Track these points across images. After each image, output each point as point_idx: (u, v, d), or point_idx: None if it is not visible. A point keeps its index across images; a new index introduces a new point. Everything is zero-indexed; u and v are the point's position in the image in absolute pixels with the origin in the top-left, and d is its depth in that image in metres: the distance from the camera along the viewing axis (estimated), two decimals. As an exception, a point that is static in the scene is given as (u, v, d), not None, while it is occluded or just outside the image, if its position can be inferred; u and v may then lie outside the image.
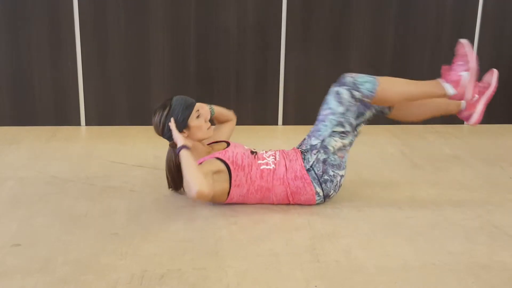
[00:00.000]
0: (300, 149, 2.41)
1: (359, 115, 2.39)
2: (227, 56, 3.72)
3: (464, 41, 2.37)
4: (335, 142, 2.31)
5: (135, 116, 3.73)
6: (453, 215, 2.35)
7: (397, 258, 1.95)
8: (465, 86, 2.31)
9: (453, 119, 4.04)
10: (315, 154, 2.32)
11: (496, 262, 1.94)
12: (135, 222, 2.20)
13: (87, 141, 3.38)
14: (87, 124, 3.72)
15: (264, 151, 2.42)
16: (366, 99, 2.30)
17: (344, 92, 2.29)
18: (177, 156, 2.29)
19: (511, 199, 2.55)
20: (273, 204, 2.38)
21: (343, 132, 2.32)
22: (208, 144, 2.49)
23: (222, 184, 2.26)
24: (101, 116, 3.72)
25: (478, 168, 2.95)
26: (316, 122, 2.35)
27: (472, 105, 2.44)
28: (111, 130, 3.63)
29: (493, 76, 2.47)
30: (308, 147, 2.36)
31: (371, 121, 4.00)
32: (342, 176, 2.36)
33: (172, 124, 2.28)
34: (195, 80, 3.73)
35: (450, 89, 2.33)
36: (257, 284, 1.76)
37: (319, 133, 2.32)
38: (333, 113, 2.30)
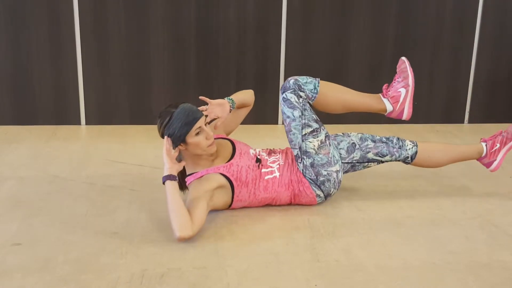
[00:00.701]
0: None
1: (379, 154, 2.42)
2: (227, 55, 3.72)
3: (404, 59, 2.45)
4: (312, 143, 2.30)
5: (135, 115, 3.73)
6: (453, 215, 2.35)
7: (397, 258, 1.95)
8: (403, 103, 2.40)
9: (453, 117, 4.05)
10: (300, 162, 2.31)
11: (496, 261, 1.94)
12: (135, 221, 2.20)
13: (87, 140, 3.38)
14: (87, 123, 3.72)
15: (267, 155, 2.37)
16: (309, 100, 2.32)
17: (290, 96, 2.29)
18: (180, 156, 2.26)
19: (511, 198, 2.55)
20: (274, 205, 2.38)
21: (313, 131, 2.31)
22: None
23: (223, 198, 2.24)
24: (101, 115, 3.72)
25: (478, 167, 2.95)
26: (286, 134, 2.35)
27: (492, 154, 2.52)
28: (111, 129, 3.63)
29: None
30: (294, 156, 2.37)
31: (372, 121, 3.98)
32: (337, 171, 2.34)
33: (166, 142, 2.13)
34: (195, 79, 3.73)
35: (388, 105, 2.40)
36: (257, 283, 1.76)
37: (293, 143, 2.32)
38: (293, 120, 2.30)
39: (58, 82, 3.63)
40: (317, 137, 2.31)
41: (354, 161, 2.40)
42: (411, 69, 2.40)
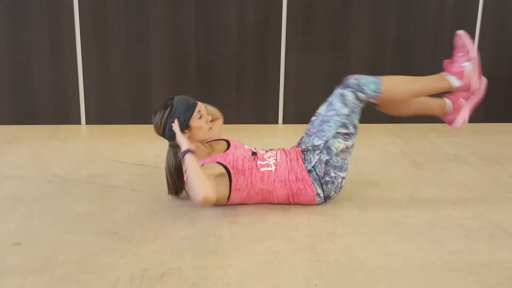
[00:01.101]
0: (300, 147, 2.42)
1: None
2: (227, 55, 3.72)
3: (461, 32, 2.39)
4: (339, 144, 2.31)
5: (135, 115, 3.73)
6: (453, 214, 2.35)
7: (397, 257, 1.95)
8: (469, 76, 2.33)
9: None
10: (317, 154, 2.31)
11: (496, 261, 1.94)
12: (135, 221, 2.20)
13: (87, 140, 3.38)
14: (87, 123, 3.72)
15: (264, 151, 2.41)
16: (371, 100, 2.32)
17: (348, 94, 2.30)
18: (178, 158, 2.29)
19: (511, 198, 2.55)
20: (273, 203, 2.38)
21: (347, 134, 2.32)
22: (207, 143, 2.45)
23: (222, 188, 2.26)
24: (101, 115, 3.72)
25: (478, 167, 2.95)
26: (319, 122, 2.34)
27: (457, 109, 2.46)
28: (111, 129, 3.64)
29: (482, 84, 2.47)
30: (310, 147, 2.36)
31: (372, 120, 3.97)
32: (343, 178, 2.36)
33: (175, 126, 2.24)
34: (195, 79, 3.73)
35: (455, 81, 2.35)
36: (258, 283, 1.76)
37: (323, 133, 2.32)
38: (337, 114, 2.30)
39: (58, 81, 3.63)
40: (347, 141, 2.32)
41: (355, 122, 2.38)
42: (472, 41, 2.35)
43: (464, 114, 2.45)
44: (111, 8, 3.55)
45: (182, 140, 2.21)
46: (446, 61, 2.40)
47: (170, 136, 2.29)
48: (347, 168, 2.37)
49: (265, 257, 1.93)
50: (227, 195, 2.29)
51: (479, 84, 2.35)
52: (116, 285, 1.73)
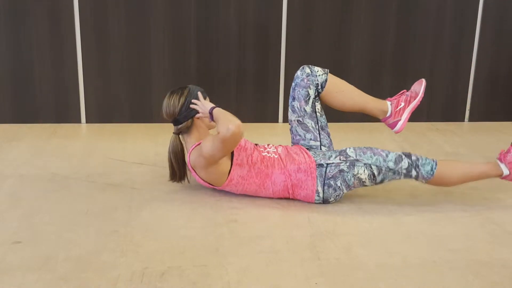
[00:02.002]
0: (300, 145, 2.44)
1: (304, 98, 2.44)
2: (227, 53, 3.72)
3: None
4: (362, 173, 2.31)
5: (136, 113, 3.73)
6: (453, 213, 2.35)
7: (397, 256, 1.95)
8: (403, 111, 2.43)
9: (454, 116, 4.05)
10: (340, 160, 2.33)
11: (496, 259, 1.94)
12: (135, 219, 2.20)
13: (88, 139, 3.38)
14: (87, 121, 3.72)
15: (266, 145, 2.46)
16: (421, 180, 2.34)
17: (405, 162, 2.32)
18: (181, 144, 2.41)
19: (511, 197, 2.56)
20: (272, 197, 2.38)
21: (373, 175, 2.32)
22: None
23: (224, 162, 2.29)
24: (102, 113, 3.72)
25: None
26: (368, 148, 2.35)
27: (397, 113, 2.48)
28: (112, 127, 3.64)
29: (421, 86, 2.50)
30: (317, 147, 2.43)
31: (372, 119, 3.98)
32: (344, 193, 2.39)
33: (200, 96, 2.36)
34: (195, 78, 3.73)
35: (505, 170, 2.36)
36: (258, 281, 1.76)
37: (362, 154, 2.33)
38: (384, 160, 2.31)
39: (59, 80, 3.63)
40: (368, 179, 2.33)
41: (314, 126, 2.47)
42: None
43: (405, 117, 2.48)
44: (111, 7, 3.55)
45: (205, 102, 2.34)
46: (502, 150, 2.39)
47: (184, 116, 2.36)
48: (351, 190, 2.39)
49: (266, 255, 1.93)
50: (227, 171, 2.31)
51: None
52: (116, 283, 1.73)
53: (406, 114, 2.46)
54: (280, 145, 2.45)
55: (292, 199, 2.41)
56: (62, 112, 3.68)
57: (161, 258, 1.89)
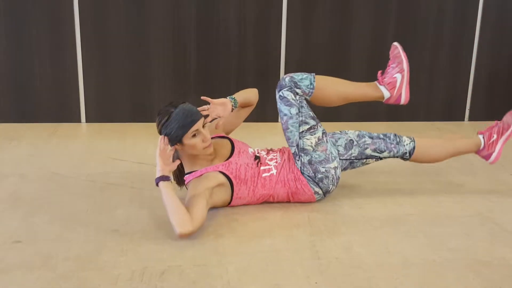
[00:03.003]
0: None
1: (377, 150, 2.41)
2: (227, 52, 3.72)
3: (396, 44, 2.43)
4: (309, 140, 2.30)
5: (136, 113, 3.73)
6: (454, 212, 2.35)
7: (398, 255, 1.95)
8: (400, 88, 2.39)
9: (454, 115, 4.05)
10: (298, 160, 2.31)
11: (496, 259, 1.94)
12: (135, 218, 2.20)
13: (88, 138, 3.38)
14: (87, 121, 3.72)
15: (266, 152, 2.39)
16: (306, 96, 2.31)
17: (287, 93, 2.29)
18: (177, 154, 2.27)
19: (511, 196, 2.56)
20: (273, 202, 2.38)
21: (310, 128, 2.30)
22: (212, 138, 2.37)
23: (223, 196, 2.24)
24: (102, 113, 3.72)
25: (478, 165, 2.95)
26: (284, 132, 2.34)
27: (491, 145, 2.50)
28: (112, 127, 3.64)
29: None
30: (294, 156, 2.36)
31: (372, 118, 3.95)
32: (335, 168, 2.34)
33: (161, 141, 2.12)
34: (195, 77, 3.73)
35: (385, 92, 2.39)
36: (258, 281, 1.76)
37: (290, 140, 2.32)
38: (290, 118, 2.30)
39: (59, 79, 3.63)
40: (314, 134, 2.31)
41: (353, 158, 2.40)
42: (405, 53, 2.39)
43: (498, 148, 2.50)
44: (111, 6, 3.55)
45: (158, 162, 2.09)
46: (379, 72, 2.45)
47: (170, 141, 2.19)
48: (335, 157, 2.34)
49: (266, 255, 1.93)
50: (227, 202, 2.28)
51: (407, 98, 2.42)
52: (116, 282, 1.73)
53: (499, 146, 2.49)
54: (279, 150, 2.41)
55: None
56: (62, 112, 3.68)
57: (161, 257, 1.89)
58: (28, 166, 2.80)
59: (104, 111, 3.71)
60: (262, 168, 2.30)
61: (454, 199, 2.49)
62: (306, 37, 3.76)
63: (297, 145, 2.30)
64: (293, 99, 2.28)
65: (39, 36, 3.54)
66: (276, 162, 2.33)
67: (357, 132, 2.44)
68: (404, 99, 2.42)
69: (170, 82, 3.72)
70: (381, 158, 2.43)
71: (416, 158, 2.45)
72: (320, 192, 2.34)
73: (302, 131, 2.29)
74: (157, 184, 2.08)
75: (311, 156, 2.29)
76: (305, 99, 2.32)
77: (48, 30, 3.54)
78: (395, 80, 2.39)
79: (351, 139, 2.40)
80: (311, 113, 2.33)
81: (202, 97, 2.31)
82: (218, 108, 2.30)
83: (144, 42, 3.63)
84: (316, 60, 3.79)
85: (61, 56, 3.59)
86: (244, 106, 2.48)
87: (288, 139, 2.33)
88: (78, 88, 3.65)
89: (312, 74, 2.33)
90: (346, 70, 3.81)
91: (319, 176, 2.30)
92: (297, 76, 2.30)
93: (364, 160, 2.42)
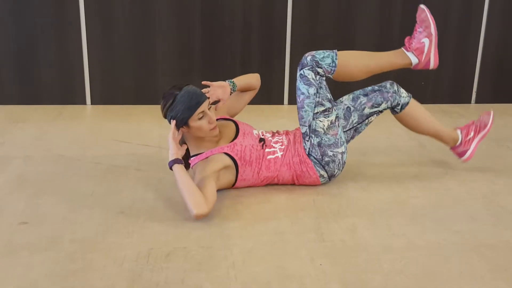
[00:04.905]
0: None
1: (374, 105, 2.38)
2: (232, 35, 3.70)
3: (423, 6, 2.35)
4: (322, 123, 2.29)
5: (141, 95, 3.73)
6: (459, 195, 2.35)
7: (402, 238, 1.96)
8: (428, 53, 2.33)
9: (460, 98, 4.03)
10: (308, 140, 2.30)
11: (501, 242, 1.94)
12: (141, 201, 2.21)
13: (93, 120, 3.38)
14: (92, 103, 3.72)
15: (271, 136, 2.38)
16: (328, 74, 2.29)
17: (308, 72, 2.27)
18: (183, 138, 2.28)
19: (517, 179, 2.55)
20: (278, 184, 2.39)
21: (325, 111, 2.29)
22: (217, 119, 2.39)
23: (228, 177, 2.25)
24: (107, 95, 3.71)
25: (484, 148, 2.94)
26: (298, 111, 2.33)
27: (467, 142, 2.52)
28: (117, 109, 3.64)
29: (490, 116, 2.54)
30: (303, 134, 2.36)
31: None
32: (342, 153, 2.33)
33: (173, 126, 2.15)
34: (200, 59, 3.72)
35: (413, 58, 2.35)
36: (262, 262, 1.77)
37: (303, 120, 2.31)
38: (307, 97, 2.28)
39: (64, 62, 3.62)
40: (328, 117, 2.30)
41: (355, 124, 2.39)
42: (432, 16, 2.33)
43: (473, 147, 2.53)
44: (116, -13, 3.53)
45: (171, 146, 2.12)
46: (407, 38, 2.38)
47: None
48: (343, 142, 2.34)
49: (270, 237, 1.94)
50: (232, 183, 2.29)
51: (436, 62, 2.37)
52: (122, 263, 1.74)
53: (474, 144, 2.52)
54: (284, 133, 2.41)
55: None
56: (68, 94, 3.68)
57: (166, 239, 1.90)
58: (34, 148, 2.81)
59: (109, 93, 3.71)
60: (267, 150, 2.30)
61: (459, 182, 2.49)
62: (312, 20, 3.72)
63: (309, 126, 2.29)
64: (313, 78, 2.27)
65: (44, 18, 3.52)
66: (282, 145, 2.33)
67: (351, 96, 2.41)
68: (433, 64, 2.36)
69: (175, 65, 3.71)
70: (381, 111, 2.41)
71: (405, 115, 2.44)
72: (326, 175, 2.34)
73: (317, 112, 2.28)
74: (170, 168, 2.09)
75: (321, 139, 2.29)
76: (327, 77, 2.30)
77: (53, 12, 3.52)
78: (423, 46, 2.32)
79: (347, 107, 2.38)
80: (329, 95, 2.31)
81: (202, 82, 2.31)
82: (218, 90, 2.30)
83: (149, 23, 3.61)
84: (322, 41, 3.76)
85: (66, 38, 3.58)
86: (244, 90, 2.47)
87: (301, 118, 2.32)
88: (83, 70, 3.65)
89: (334, 51, 2.29)
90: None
91: (326, 159, 2.30)
92: (319, 54, 2.27)
93: (366, 120, 2.41)
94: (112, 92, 3.71)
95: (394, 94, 2.39)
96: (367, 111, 2.38)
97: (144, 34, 3.63)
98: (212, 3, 3.62)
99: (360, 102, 2.38)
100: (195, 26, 3.65)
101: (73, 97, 3.69)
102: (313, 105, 2.28)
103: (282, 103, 3.85)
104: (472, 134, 2.52)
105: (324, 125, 2.29)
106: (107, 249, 1.83)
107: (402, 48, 2.37)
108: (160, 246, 1.86)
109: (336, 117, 2.33)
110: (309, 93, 2.27)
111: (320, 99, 2.28)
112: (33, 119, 3.33)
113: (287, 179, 2.34)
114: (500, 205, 2.26)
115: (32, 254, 1.79)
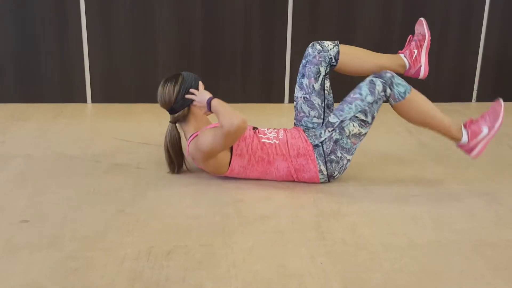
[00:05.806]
0: (301, 126, 2.43)
1: (314, 76, 2.40)
2: (233, 33, 3.70)
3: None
4: (353, 127, 2.30)
5: (141, 93, 3.73)
6: (459, 193, 2.35)
7: (403, 236, 1.96)
8: (482, 145, 2.37)
9: (461, 96, 4.02)
10: (329, 131, 2.32)
11: (501, 240, 1.94)
12: (141, 199, 2.22)
13: (94, 119, 3.38)
14: (93, 101, 3.72)
15: (266, 129, 2.43)
16: (392, 100, 2.31)
17: (379, 84, 2.29)
18: (178, 133, 2.39)
19: (518, 178, 2.55)
20: (277, 180, 2.39)
21: (363, 121, 2.31)
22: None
23: (223, 154, 2.28)
24: (107, 93, 3.71)
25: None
26: (342, 102, 2.34)
27: (415, 61, 2.48)
28: (117, 107, 3.64)
29: (423, 26, 2.49)
30: (319, 124, 2.38)
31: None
32: (348, 160, 2.36)
33: (200, 85, 2.34)
34: (201, 58, 3.72)
35: (465, 136, 2.36)
36: (263, 261, 1.77)
37: (341, 113, 2.32)
38: (361, 100, 2.29)
39: (64, 60, 3.62)
40: (361, 128, 2.32)
41: (323, 102, 2.42)
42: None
43: (423, 61, 2.48)
44: (116, -15, 3.53)
45: (204, 92, 2.32)
46: (470, 119, 2.45)
47: (181, 104, 2.34)
48: (354, 152, 2.37)
49: (271, 235, 1.94)
50: (228, 161, 2.31)
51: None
52: (123, 262, 1.74)
53: (423, 58, 2.48)
54: (280, 129, 2.43)
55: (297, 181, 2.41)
56: (68, 92, 3.68)
57: (167, 237, 1.90)
58: (35, 147, 2.81)
59: (110, 92, 3.71)
60: (260, 135, 2.36)
61: (459, 181, 2.49)
62: (313, 17, 3.72)
63: (342, 121, 2.31)
64: (378, 91, 2.29)
65: (44, 16, 3.52)
66: (277, 134, 2.37)
67: (304, 98, 2.43)
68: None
69: (175, 63, 3.70)
70: (326, 75, 2.41)
71: (342, 65, 2.43)
72: (325, 172, 2.34)
73: (357, 117, 2.30)
74: (209, 102, 2.24)
75: (341, 138, 2.31)
76: (387, 101, 2.34)
77: (54, 11, 3.52)
78: (480, 131, 2.39)
79: (304, 97, 2.42)
80: (375, 114, 2.34)
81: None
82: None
83: (150, 22, 3.61)
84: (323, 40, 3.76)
85: (66, 36, 3.58)
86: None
87: (340, 110, 2.33)
88: (83, 69, 3.65)
89: (410, 86, 2.31)
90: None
91: (332, 157, 2.31)
92: (397, 79, 2.31)
93: (325, 91, 2.42)
94: (113, 90, 3.71)
95: (321, 53, 2.40)
96: (316, 86, 2.39)
97: (145, 32, 3.63)
98: (212, 2, 3.62)
99: (307, 86, 2.40)
100: (196, 24, 3.65)
101: (74, 95, 3.69)
102: (359, 109, 2.30)
103: (283, 102, 3.85)
104: (415, 51, 2.47)
105: (352, 130, 2.31)
106: (107, 247, 1.83)
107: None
108: (161, 244, 1.86)
109: (365, 133, 2.35)
110: (365, 98, 2.29)
111: (368, 110, 2.30)
112: (33, 118, 3.34)
113: (283, 171, 2.35)
114: (500, 203, 2.26)
115: (33, 252, 1.79)
